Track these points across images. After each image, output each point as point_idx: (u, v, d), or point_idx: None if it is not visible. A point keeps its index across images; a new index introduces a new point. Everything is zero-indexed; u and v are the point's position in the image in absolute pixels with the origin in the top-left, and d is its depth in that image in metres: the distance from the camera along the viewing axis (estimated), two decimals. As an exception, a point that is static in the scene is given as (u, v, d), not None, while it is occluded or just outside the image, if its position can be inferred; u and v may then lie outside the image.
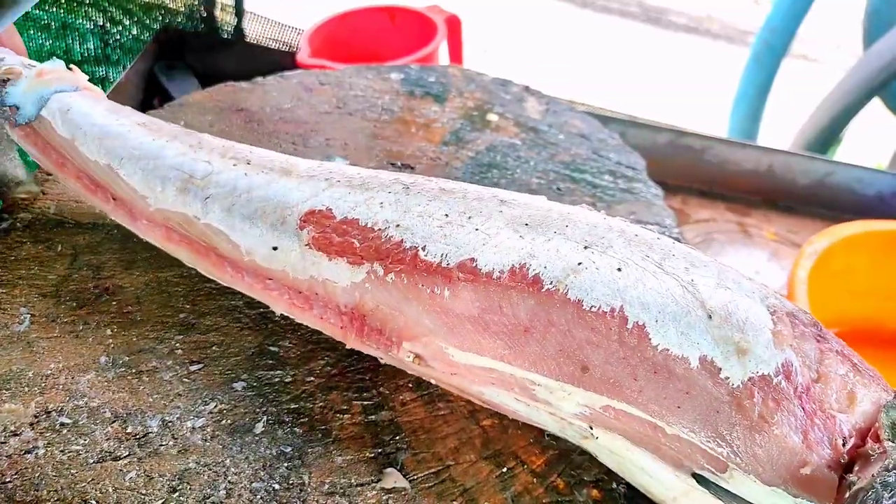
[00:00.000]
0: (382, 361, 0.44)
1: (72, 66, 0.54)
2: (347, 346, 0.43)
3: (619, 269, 0.36)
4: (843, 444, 0.32)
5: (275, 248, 0.42)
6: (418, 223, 0.40)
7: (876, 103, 1.23)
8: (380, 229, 0.40)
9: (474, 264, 0.37)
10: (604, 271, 0.36)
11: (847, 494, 0.30)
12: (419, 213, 0.40)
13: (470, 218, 0.40)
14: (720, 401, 0.33)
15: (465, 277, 0.37)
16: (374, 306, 0.40)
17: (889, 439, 0.31)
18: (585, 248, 0.37)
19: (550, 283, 0.36)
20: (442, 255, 0.38)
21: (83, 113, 0.50)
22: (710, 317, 0.34)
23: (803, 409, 0.33)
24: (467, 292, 0.37)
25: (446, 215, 0.40)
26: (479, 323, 0.37)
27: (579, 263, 0.36)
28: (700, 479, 0.35)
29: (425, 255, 0.38)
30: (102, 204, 0.50)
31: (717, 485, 0.34)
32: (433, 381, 0.43)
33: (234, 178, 0.46)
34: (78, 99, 0.51)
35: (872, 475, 0.30)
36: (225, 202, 0.44)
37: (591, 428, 0.37)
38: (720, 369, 0.33)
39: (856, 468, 0.31)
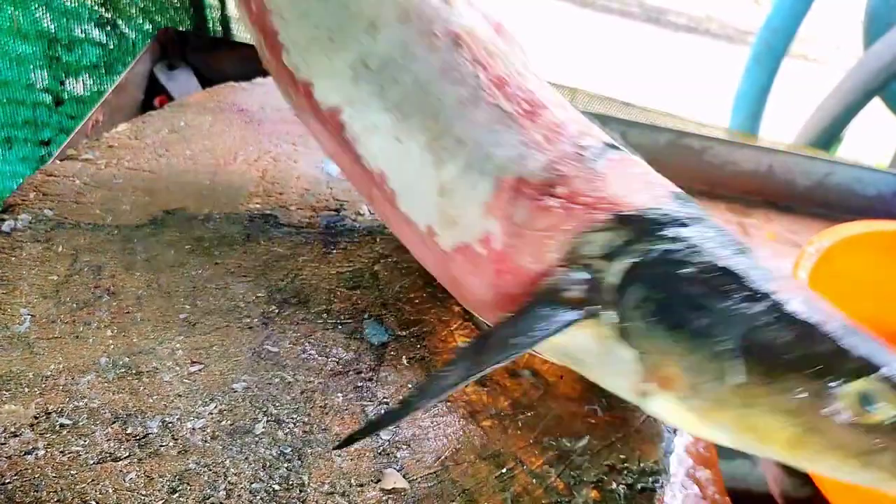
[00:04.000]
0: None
1: None
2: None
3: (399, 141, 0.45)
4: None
5: None
6: None
7: (876, 103, 1.23)
8: None
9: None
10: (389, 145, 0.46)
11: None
12: None
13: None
14: (439, 255, 0.45)
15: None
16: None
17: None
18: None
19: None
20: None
21: None
22: (441, 195, 0.43)
23: (495, 270, 0.41)
24: None
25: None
26: None
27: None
28: None
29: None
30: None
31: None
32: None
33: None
34: None
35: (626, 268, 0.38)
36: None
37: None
38: (437, 235, 0.44)
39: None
